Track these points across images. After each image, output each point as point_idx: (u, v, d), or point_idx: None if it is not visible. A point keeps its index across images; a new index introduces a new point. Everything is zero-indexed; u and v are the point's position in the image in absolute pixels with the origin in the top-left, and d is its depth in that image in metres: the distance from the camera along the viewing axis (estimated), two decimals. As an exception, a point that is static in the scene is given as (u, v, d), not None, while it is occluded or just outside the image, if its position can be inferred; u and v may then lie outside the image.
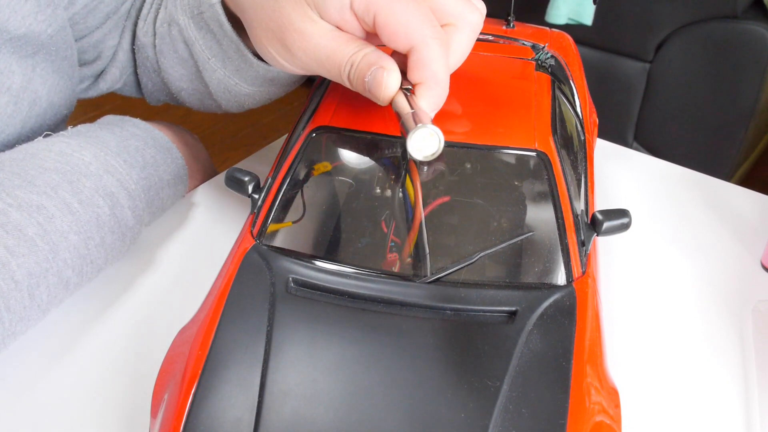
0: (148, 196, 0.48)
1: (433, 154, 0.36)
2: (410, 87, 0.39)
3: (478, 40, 0.49)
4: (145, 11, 0.58)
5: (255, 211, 0.40)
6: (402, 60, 0.40)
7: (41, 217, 0.41)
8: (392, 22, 0.38)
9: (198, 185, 0.59)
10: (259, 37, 0.45)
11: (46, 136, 0.48)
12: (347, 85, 0.41)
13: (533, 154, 0.39)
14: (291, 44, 0.42)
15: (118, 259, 0.47)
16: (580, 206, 0.41)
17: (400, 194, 0.40)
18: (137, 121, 0.52)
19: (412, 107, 0.37)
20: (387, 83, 0.38)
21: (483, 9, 0.42)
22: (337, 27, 0.41)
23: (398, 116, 0.38)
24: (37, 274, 0.40)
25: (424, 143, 0.35)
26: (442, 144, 0.35)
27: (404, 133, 0.36)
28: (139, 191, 0.47)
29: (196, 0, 0.51)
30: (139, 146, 0.49)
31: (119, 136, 0.49)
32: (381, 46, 0.41)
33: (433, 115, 0.39)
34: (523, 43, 0.50)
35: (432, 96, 0.39)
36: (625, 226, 0.40)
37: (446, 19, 0.40)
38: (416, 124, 0.35)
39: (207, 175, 0.61)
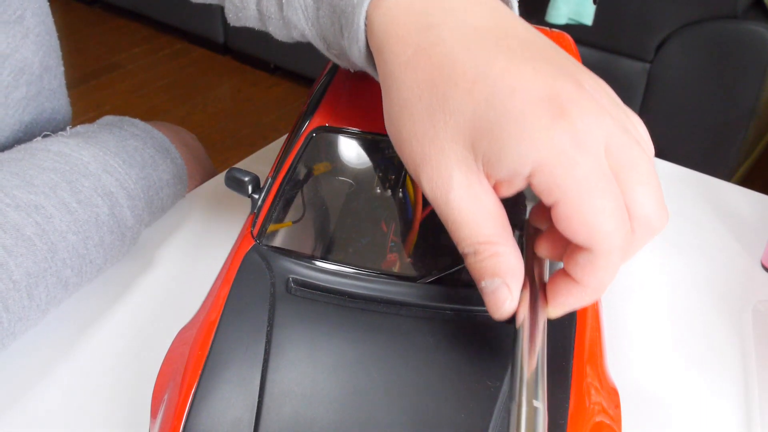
0: (148, 195, 0.48)
1: None
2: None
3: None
4: None
5: (255, 211, 0.40)
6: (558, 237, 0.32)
7: (39, 217, 0.41)
8: (577, 220, 0.29)
9: (198, 185, 0.59)
10: (391, 115, 0.34)
11: (45, 136, 0.48)
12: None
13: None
14: (422, 170, 0.32)
15: (118, 259, 0.47)
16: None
17: (400, 194, 0.40)
18: (136, 121, 0.52)
19: (531, 340, 0.30)
20: (505, 308, 0.32)
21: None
22: (496, 182, 0.32)
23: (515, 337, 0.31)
24: (35, 273, 0.40)
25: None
26: None
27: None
28: (138, 191, 0.47)
29: None
30: (138, 146, 0.49)
31: (118, 136, 0.49)
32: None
33: (569, 310, 0.33)
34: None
35: (581, 299, 0.32)
36: (625, 226, 0.40)
37: (633, 221, 0.31)
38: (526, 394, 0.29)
39: (207, 175, 0.61)
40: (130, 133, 0.50)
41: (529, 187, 0.31)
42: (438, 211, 0.32)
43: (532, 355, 0.30)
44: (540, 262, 0.34)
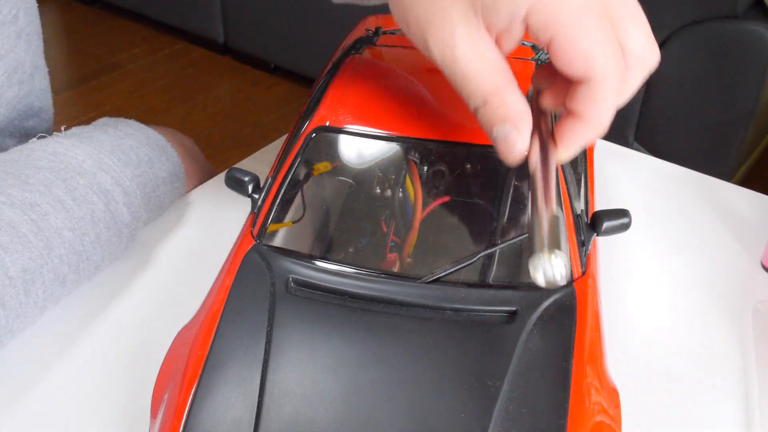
0: (144, 192, 0.49)
1: (555, 280, 0.29)
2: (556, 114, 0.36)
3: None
4: None
5: (255, 211, 0.40)
6: (561, 80, 0.35)
7: (34, 215, 0.41)
8: (573, 50, 0.32)
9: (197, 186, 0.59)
10: None
11: (41, 137, 0.48)
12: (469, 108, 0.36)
13: (533, 154, 0.39)
14: (428, 33, 0.35)
15: (115, 256, 0.47)
16: (580, 206, 0.41)
17: (400, 194, 0.40)
18: (131, 121, 0.52)
19: (546, 182, 0.32)
20: (517, 150, 0.34)
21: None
22: (497, 35, 0.35)
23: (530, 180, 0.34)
24: (31, 270, 0.41)
25: (549, 264, 0.29)
26: (566, 269, 0.29)
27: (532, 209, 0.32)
28: (135, 188, 0.47)
29: None
30: (133, 145, 0.49)
31: (113, 136, 0.49)
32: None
33: (577, 151, 0.35)
34: (523, 43, 0.50)
35: (586, 135, 0.35)
36: (625, 226, 0.40)
37: (627, 56, 0.34)
38: (544, 226, 0.30)
39: (206, 177, 0.61)
40: (125, 133, 0.50)
41: None
42: (447, 72, 0.35)
43: (548, 187, 0.32)
44: (546, 117, 0.37)
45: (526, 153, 0.34)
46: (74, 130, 0.50)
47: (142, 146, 0.50)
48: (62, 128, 0.51)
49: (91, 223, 0.44)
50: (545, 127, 0.36)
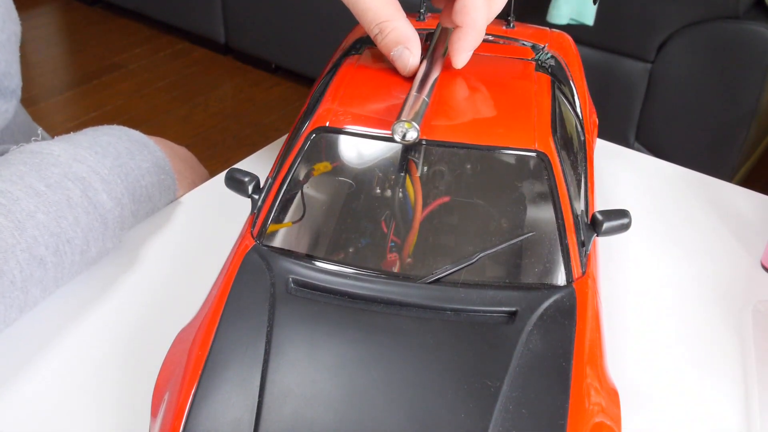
0: (127, 182, 0.49)
1: (408, 141, 0.38)
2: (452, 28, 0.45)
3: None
4: None
5: (255, 211, 0.41)
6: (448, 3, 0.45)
7: (5, 200, 0.42)
8: None
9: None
10: None
11: (20, 146, 0.49)
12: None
13: (533, 154, 0.39)
14: None
15: (105, 244, 0.47)
16: (580, 206, 0.41)
17: (400, 194, 0.40)
18: (114, 125, 0.53)
19: (425, 79, 0.41)
20: (410, 65, 0.43)
21: None
22: None
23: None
24: (3, 249, 0.41)
25: (407, 130, 0.38)
26: (417, 134, 0.38)
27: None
28: (114, 177, 0.48)
29: None
30: (111, 141, 0.50)
31: (91, 136, 0.50)
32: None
33: (466, 56, 0.44)
34: (523, 44, 0.50)
35: (468, 40, 0.43)
36: (625, 227, 0.40)
37: None
38: (412, 107, 0.39)
39: (201, 181, 0.61)
40: (104, 132, 0.52)
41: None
42: (351, 8, 0.44)
43: (426, 82, 0.41)
44: (446, 33, 0.45)
45: (418, 67, 0.43)
46: (56, 138, 0.51)
47: (121, 142, 0.51)
48: (38, 132, 0.51)
49: (67, 207, 0.44)
50: (442, 42, 0.45)
